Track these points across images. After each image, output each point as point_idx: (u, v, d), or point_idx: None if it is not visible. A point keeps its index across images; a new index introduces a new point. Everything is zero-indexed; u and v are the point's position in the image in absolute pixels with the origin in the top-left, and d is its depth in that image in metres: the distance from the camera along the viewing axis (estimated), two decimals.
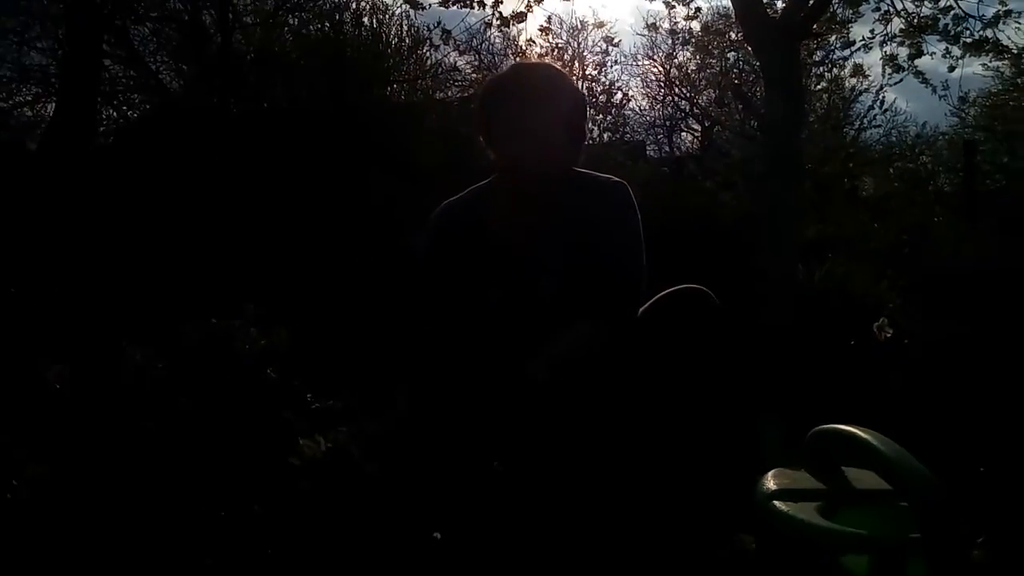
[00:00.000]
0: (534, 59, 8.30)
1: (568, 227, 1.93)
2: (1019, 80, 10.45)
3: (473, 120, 2.04)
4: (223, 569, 1.67)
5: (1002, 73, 10.11)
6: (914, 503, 1.28)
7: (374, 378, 2.63)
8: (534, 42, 9.39)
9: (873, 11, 5.60)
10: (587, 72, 9.86)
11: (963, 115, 9.83)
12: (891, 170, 9.15)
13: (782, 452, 1.67)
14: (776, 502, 1.40)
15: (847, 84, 9.92)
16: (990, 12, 5.33)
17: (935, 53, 5.59)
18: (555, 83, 1.92)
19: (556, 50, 9.76)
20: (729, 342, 1.90)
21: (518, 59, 9.10)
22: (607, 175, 1.99)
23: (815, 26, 4.51)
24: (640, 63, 12.44)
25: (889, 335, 3.10)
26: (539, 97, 1.86)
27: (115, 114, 8.14)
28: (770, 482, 1.48)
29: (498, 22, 4.96)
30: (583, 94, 2.10)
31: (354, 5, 8.08)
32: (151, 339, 2.73)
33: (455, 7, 4.89)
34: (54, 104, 7.70)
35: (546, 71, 1.98)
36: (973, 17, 5.28)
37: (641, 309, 1.94)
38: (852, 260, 4.48)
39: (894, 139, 10.83)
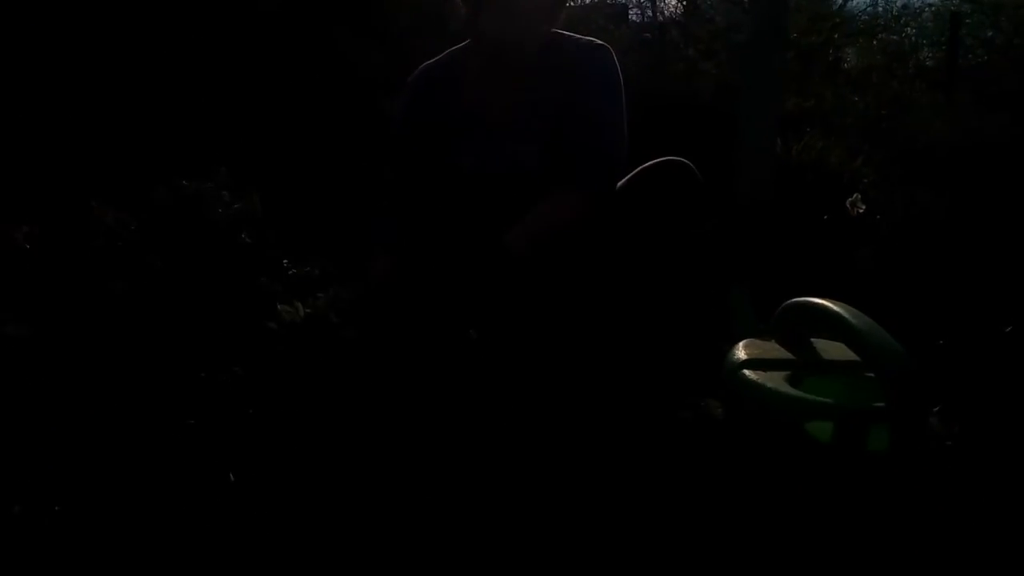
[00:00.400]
0: None
1: (549, 94, 1.89)
2: None
3: None
4: (206, 429, 1.70)
5: None
6: (881, 373, 1.33)
7: (350, 244, 2.61)
8: None
9: None
10: None
11: None
12: (875, 42, 8.97)
13: (753, 322, 1.71)
14: (745, 371, 1.45)
15: None
16: None
17: None
18: None
19: None
20: (707, 215, 1.91)
21: None
22: (590, 38, 1.92)
23: None
24: None
25: (862, 211, 3.13)
26: None
27: None
28: (740, 352, 1.52)
29: None
30: None
31: None
32: (122, 200, 2.68)
33: None
34: None
35: None
36: None
37: (623, 180, 1.92)
38: (830, 134, 4.46)
39: (880, 9, 10.57)
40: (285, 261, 2.39)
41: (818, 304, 1.45)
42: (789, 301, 1.55)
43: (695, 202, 1.85)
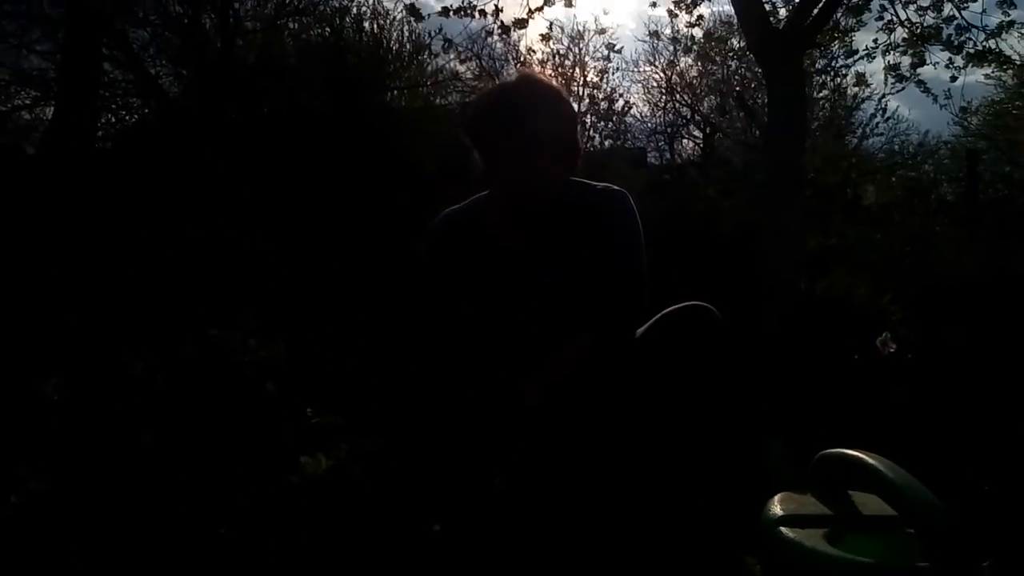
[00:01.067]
0: (534, 69, 8.29)
1: (568, 239, 1.92)
2: (1022, 89, 10.44)
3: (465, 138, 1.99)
4: None
5: (1004, 82, 10.10)
6: (920, 531, 1.27)
7: (376, 390, 2.61)
8: (534, 51, 9.40)
9: (876, 20, 5.60)
10: (588, 79, 9.83)
11: (966, 124, 9.82)
12: (893, 179, 9.14)
13: (789, 475, 1.65)
14: (783, 528, 1.39)
15: (849, 92, 9.90)
16: (993, 22, 5.33)
17: (938, 63, 5.57)
18: (540, 101, 1.85)
19: (557, 56, 9.75)
20: (734, 361, 1.88)
21: (518, 67, 9.09)
22: (606, 184, 1.97)
23: (818, 35, 4.50)
24: (641, 69, 12.43)
25: (892, 350, 3.08)
26: (528, 117, 1.80)
27: (114, 119, 8.11)
28: (776, 507, 1.47)
29: (499, 31, 4.96)
30: (571, 105, 2.07)
31: (355, 10, 8.08)
32: (150, 349, 2.72)
33: (456, 16, 4.88)
34: (53, 107, 7.68)
35: (529, 88, 1.90)
36: (976, 27, 5.29)
37: (645, 326, 1.92)
38: (854, 271, 4.46)
39: (896, 147, 10.80)
40: (309, 410, 2.38)
41: (853, 457, 1.40)
42: (824, 452, 1.50)
43: (719, 348, 1.83)
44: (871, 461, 1.36)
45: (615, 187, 1.95)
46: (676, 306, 1.89)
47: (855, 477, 1.44)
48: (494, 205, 1.99)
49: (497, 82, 2.05)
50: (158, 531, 1.85)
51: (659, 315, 1.91)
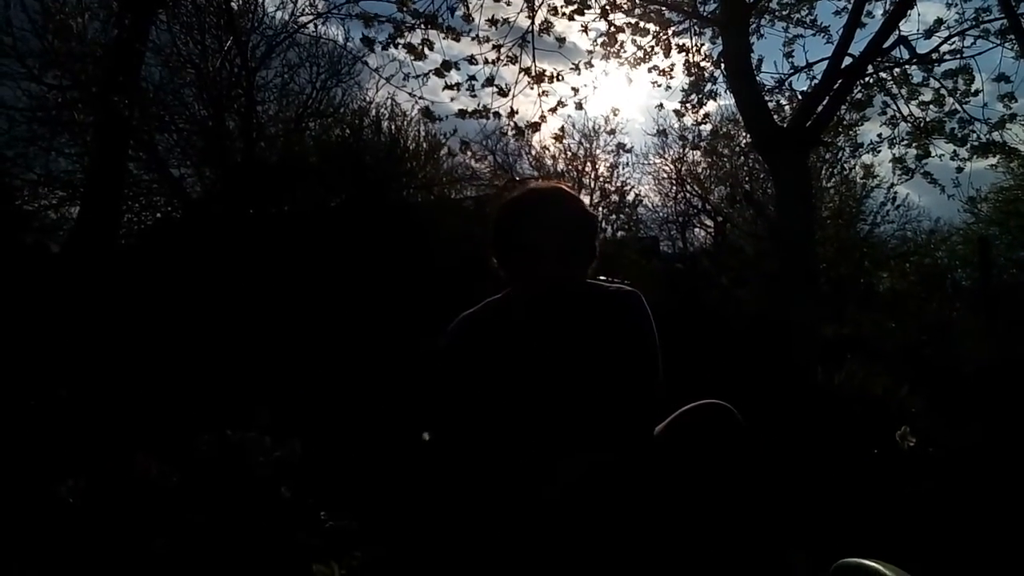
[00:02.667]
0: (547, 171, 8.47)
1: (582, 341, 1.94)
2: None
3: (487, 240, 2.06)
4: None
5: (1012, 169, 10.21)
6: None
7: (390, 491, 2.59)
8: (547, 148, 9.65)
9: (880, 115, 5.72)
10: (599, 172, 10.05)
11: (976, 211, 9.89)
12: (907, 266, 9.15)
13: None
14: None
15: (858, 182, 10.02)
16: (995, 115, 5.43)
17: (943, 155, 5.66)
18: (565, 206, 1.94)
19: (569, 152, 9.99)
20: (754, 463, 1.84)
21: (532, 162, 9.30)
22: (619, 285, 2.00)
23: (823, 133, 4.60)
24: (651, 161, 12.69)
25: (912, 444, 3.04)
26: (561, 219, 1.89)
27: (138, 218, 8.32)
28: None
29: (513, 132, 5.10)
30: (593, 214, 2.14)
31: (373, 111, 8.37)
32: (167, 449, 2.72)
33: (471, 118, 5.04)
34: (78, 207, 7.90)
35: (556, 195, 1.99)
36: (979, 120, 5.38)
37: (662, 424, 1.91)
38: (871, 361, 4.43)
39: (908, 234, 10.84)
40: (323, 514, 2.37)
41: (869, 567, 1.38)
42: (841, 562, 1.48)
43: (740, 449, 1.81)
44: (885, 572, 1.34)
45: (627, 287, 1.99)
46: (693, 404, 1.87)
47: None
48: (510, 306, 2.02)
49: (528, 185, 2.11)
50: None
51: (676, 414, 1.89)
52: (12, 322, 5.10)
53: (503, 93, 5.13)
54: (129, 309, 5.57)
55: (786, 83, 5.58)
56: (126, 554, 2.22)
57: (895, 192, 9.75)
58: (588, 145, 10.33)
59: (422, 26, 4.93)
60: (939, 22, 5.32)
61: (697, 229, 11.85)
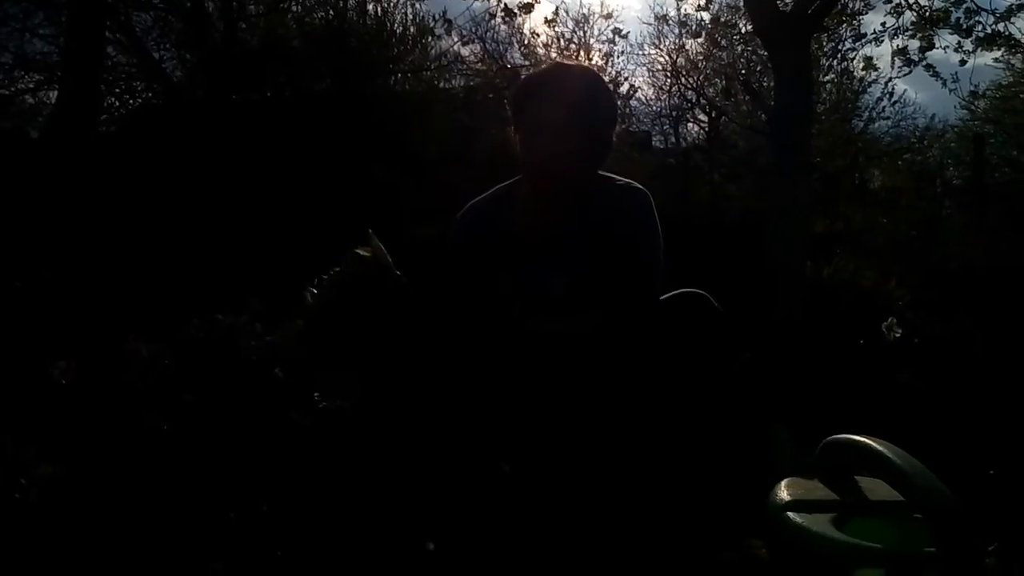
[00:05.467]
0: (538, 59, 8.25)
1: (587, 229, 1.93)
2: None
3: (508, 112, 2.04)
4: (233, 572, 1.66)
5: (1013, 65, 10.01)
6: (928, 517, 1.27)
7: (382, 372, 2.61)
8: (538, 34, 9.33)
9: (885, 3, 5.54)
10: (593, 62, 9.77)
11: (973, 108, 9.75)
12: (900, 163, 9.09)
13: (795, 460, 1.65)
14: (789, 513, 1.39)
15: (856, 75, 9.82)
16: (1002, 5, 5.28)
17: (947, 46, 5.52)
18: (589, 86, 1.91)
19: (561, 39, 9.68)
20: (729, 345, 1.89)
21: (523, 50, 9.04)
22: (627, 180, 1.98)
23: (826, 19, 4.46)
24: (647, 52, 12.36)
25: (898, 335, 3.08)
26: (570, 96, 1.85)
27: (118, 103, 8.10)
28: (783, 492, 1.47)
29: (503, 13, 4.92)
30: (616, 103, 2.09)
31: None
32: (156, 334, 2.72)
33: None
34: (56, 92, 7.68)
35: (583, 73, 1.97)
36: (986, 10, 5.23)
37: None
38: (861, 256, 4.46)
39: (903, 131, 10.72)
40: (316, 394, 2.39)
41: (860, 442, 1.40)
42: (830, 438, 1.50)
43: (715, 332, 1.84)
44: (877, 447, 1.36)
45: (637, 184, 1.96)
46: (671, 293, 1.90)
47: (862, 463, 1.45)
48: (519, 190, 1.99)
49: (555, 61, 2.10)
50: (168, 516, 1.86)
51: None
52: None
53: None
54: (112, 196, 5.49)
55: None
56: (121, 434, 2.25)
57: (892, 87, 9.59)
58: (582, 32, 10.03)
59: None
60: None
61: (691, 124, 11.65)
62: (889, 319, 3.20)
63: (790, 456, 1.66)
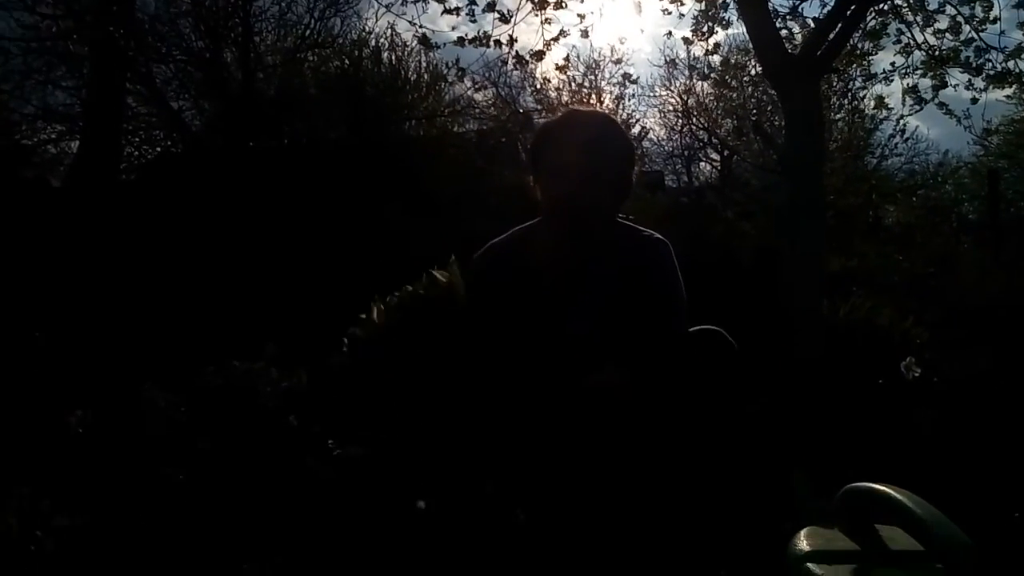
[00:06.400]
0: (550, 103, 8.34)
1: (613, 272, 1.93)
2: None
3: (526, 160, 2.07)
4: None
5: None
6: (948, 567, 1.25)
7: (395, 418, 2.61)
8: (549, 79, 9.44)
9: (894, 43, 5.56)
10: (605, 105, 9.88)
11: (986, 143, 9.74)
12: (914, 199, 9.07)
13: (814, 506, 1.63)
14: (810, 564, 1.37)
15: (868, 113, 9.85)
16: (1012, 43, 5.29)
17: (957, 85, 5.51)
18: (606, 131, 1.93)
19: (573, 84, 9.80)
20: (745, 381, 1.88)
21: (535, 94, 9.15)
22: (650, 231, 1.99)
23: (835, 60, 4.49)
24: (657, 94, 12.47)
25: (917, 374, 3.04)
26: (589, 142, 1.87)
27: (138, 152, 8.25)
28: (803, 542, 1.44)
29: (514, 60, 4.98)
30: (631, 143, 2.10)
31: (373, 42, 8.20)
32: (174, 381, 2.74)
33: (471, 46, 4.90)
34: (78, 142, 7.84)
35: (599, 119, 2.01)
36: (995, 49, 5.24)
37: None
38: (877, 294, 4.42)
39: (916, 167, 10.72)
40: (330, 441, 2.39)
41: (878, 491, 1.38)
42: (849, 486, 1.48)
43: (731, 368, 1.83)
44: (897, 496, 1.33)
45: (659, 236, 1.98)
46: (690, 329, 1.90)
47: (881, 511, 1.42)
48: (538, 232, 2.00)
49: (569, 108, 2.13)
50: (185, 567, 1.86)
51: None
52: (16, 257, 5.09)
53: (504, 19, 4.95)
54: (131, 244, 5.55)
55: (799, 8, 5.42)
56: (137, 483, 2.25)
57: (904, 124, 9.60)
58: (593, 76, 10.15)
59: None
60: None
61: (703, 163, 11.73)
62: (908, 358, 3.16)
63: (810, 503, 1.63)
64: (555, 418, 1.80)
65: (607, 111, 9.50)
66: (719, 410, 1.82)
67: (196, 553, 1.91)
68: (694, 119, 10.54)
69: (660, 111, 12.07)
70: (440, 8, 4.78)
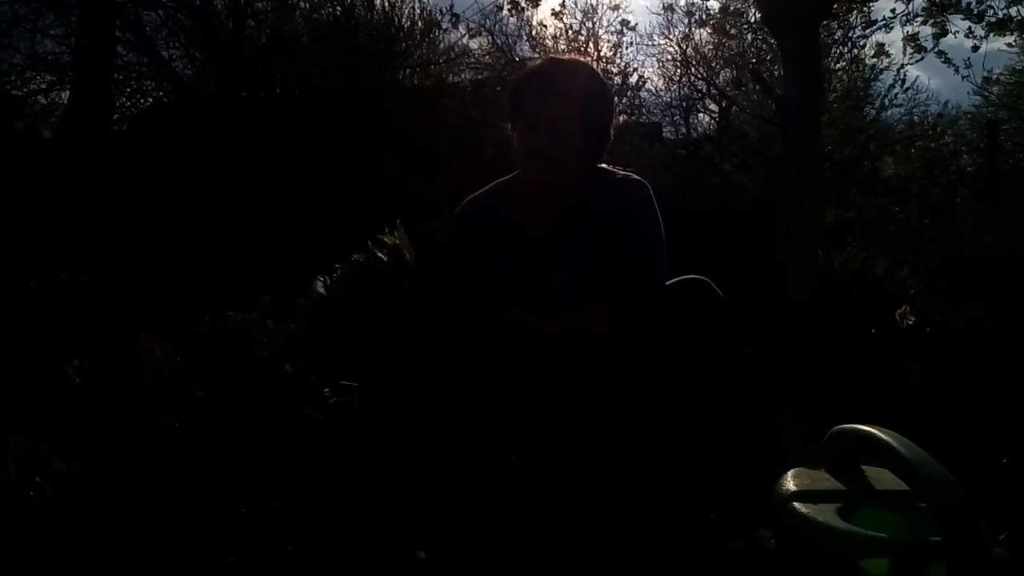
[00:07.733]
0: (547, 51, 8.22)
1: (586, 222, 1.92)
2: None
3: (505, 110, 2.03)
4: (245, 566, 1.68)
5: None
6: (934, 506, 1.27)
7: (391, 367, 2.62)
8: (545, 25, 9.29)
9: None
10: (602, 53, 9.73)
11: (986, 94, 9.64)
12: (912, 151, 9.00)
13: (801, 450, 1.65)
14: (796, 503, 1.40)
15: (867, 63, 9.71)
16: None
17: (958, 32, 5.46)
18: (585, 80, 1.89)
19: (569, 31, 9.64)
20: (732, 330, 1.88)
21: (531, 42, 9.01)
22: (626, 171, 1.97)
23: (835, 6, 4.42)
24: (656, 42, 12.26)
25: (911, 323, 3.06)
26: (567, 92, 1.83)
27: (129, 102, 8.15)
28: (789, 482, 1.47)
29: (509, 6, 4.90)
30: (612, 94, 2.07)
31: None
32: (168, 332, 2.75)
33: None
34: (68, 92, 7.74)
35: (578, 67, 1.96)
36: None
37: None
38: (872, 245, 4.42)
39: (915, 118, 10.59)
40: (326, 390, 2.41)
41: (865, 432, 1.40)
42: (837, 428, 1.50)
43: (717, 317, 1.84)
44: (884, 436, 1.35)
45: (635, 176, 1.95)
46: (673, 280, 1.90)
47: (868, 452, 1.45)
48: (519, 185, 1.99)
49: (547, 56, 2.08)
50: (181, 511, 1.88)
51: None
52: (7, 207, 5.06)
53: None
54: (124, 194, 5.52)
55: None
56: (133, 431, 2.27)
57: (904, 74, 9.48)
58: (590, 24, 9.98)
59: None
60: None
61: (701, 114, 11.58)
62: (903, 307, 3.17)
63: (797, 446, 1.65)
64: (535, 362, 1.81)
65: (601, 59, 9.39)
66: (705, 360, 1.82)
67: (192, 498, 1.93)
68: (693, 68, 10.39)
69: (658, 60, 11.89)
70: None
